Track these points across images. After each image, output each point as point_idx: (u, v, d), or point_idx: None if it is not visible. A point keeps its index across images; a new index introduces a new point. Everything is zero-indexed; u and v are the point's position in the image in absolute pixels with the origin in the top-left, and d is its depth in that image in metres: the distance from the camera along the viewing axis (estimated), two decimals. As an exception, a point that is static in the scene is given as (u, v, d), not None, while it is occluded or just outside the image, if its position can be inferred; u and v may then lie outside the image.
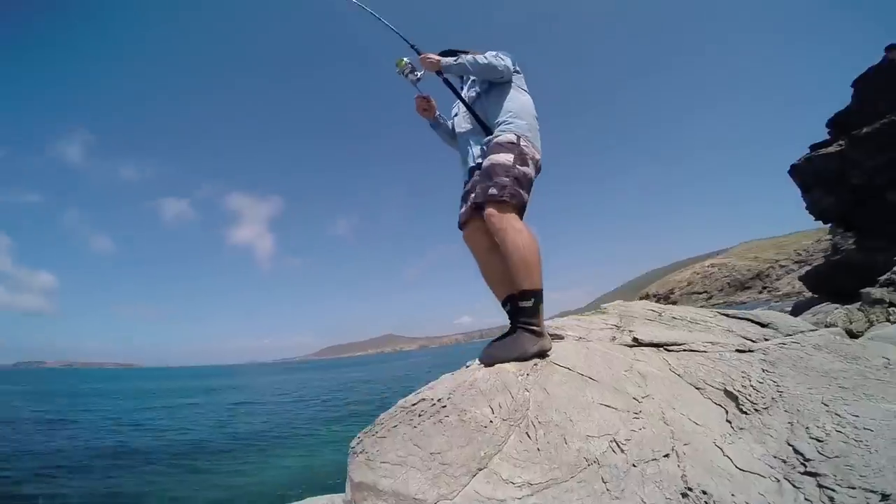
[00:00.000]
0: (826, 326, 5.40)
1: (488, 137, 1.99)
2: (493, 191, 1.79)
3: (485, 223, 1.87)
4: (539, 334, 1.68)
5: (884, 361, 1.64)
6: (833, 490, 1.00)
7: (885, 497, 0.95)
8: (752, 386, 1.51)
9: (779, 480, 1.07)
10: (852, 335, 5.12)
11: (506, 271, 1.88)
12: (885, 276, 6.89)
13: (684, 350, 1.93)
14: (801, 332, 2.54)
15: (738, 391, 1.47)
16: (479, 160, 2.01)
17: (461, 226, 2.05)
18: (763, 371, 1.68)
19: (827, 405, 1.34)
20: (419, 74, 2.14)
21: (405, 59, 2.12)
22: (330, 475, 7.28)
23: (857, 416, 1.25)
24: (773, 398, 1.42)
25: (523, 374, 1.52)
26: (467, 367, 1.77)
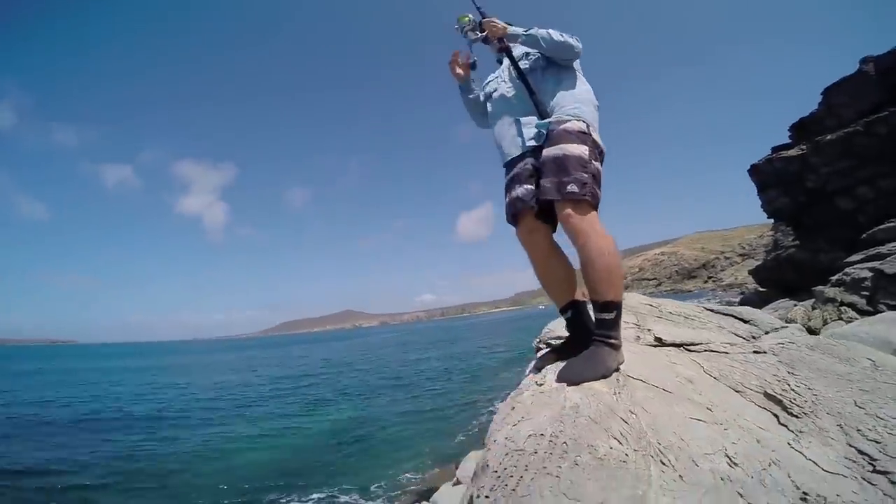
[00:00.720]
0: (787, 322, 5.93)
1: (548, 120, 1.76)
2: (572, 188, 1.59)
3: (545, 223, 1.72)
4: (617, 347, 1.60)
5: (870, 363, 1.90)
6: (904, 484, 1.18)
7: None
8: (792, 389, 1.65)
9: (857, 479, 1.23)
10: (811, 332, 5.69)
11: (570, 277, 1.78)
12: (836, 277, 7.60)
13: (706, 350, 2.04)
14: (776, 328, 2.78)
15: (780, 395, 1.61)
16: (532, 142, 1.80)
17: (514, 220, 1.82)
18: (789, 373, 1.84)
19: (862, 408, 1.54)
20: (479, 35, 1.96)
21: (470, 15, 1.94)
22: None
23: (895, 418, 1.44)
24: (813, 401, 1.57)
25: (616, 394, 1.47)
26: (539, 384, 1.63)
